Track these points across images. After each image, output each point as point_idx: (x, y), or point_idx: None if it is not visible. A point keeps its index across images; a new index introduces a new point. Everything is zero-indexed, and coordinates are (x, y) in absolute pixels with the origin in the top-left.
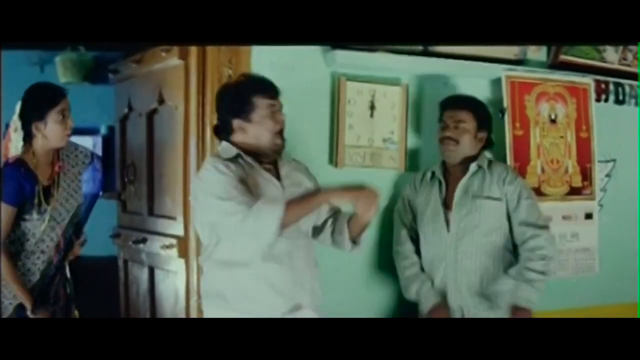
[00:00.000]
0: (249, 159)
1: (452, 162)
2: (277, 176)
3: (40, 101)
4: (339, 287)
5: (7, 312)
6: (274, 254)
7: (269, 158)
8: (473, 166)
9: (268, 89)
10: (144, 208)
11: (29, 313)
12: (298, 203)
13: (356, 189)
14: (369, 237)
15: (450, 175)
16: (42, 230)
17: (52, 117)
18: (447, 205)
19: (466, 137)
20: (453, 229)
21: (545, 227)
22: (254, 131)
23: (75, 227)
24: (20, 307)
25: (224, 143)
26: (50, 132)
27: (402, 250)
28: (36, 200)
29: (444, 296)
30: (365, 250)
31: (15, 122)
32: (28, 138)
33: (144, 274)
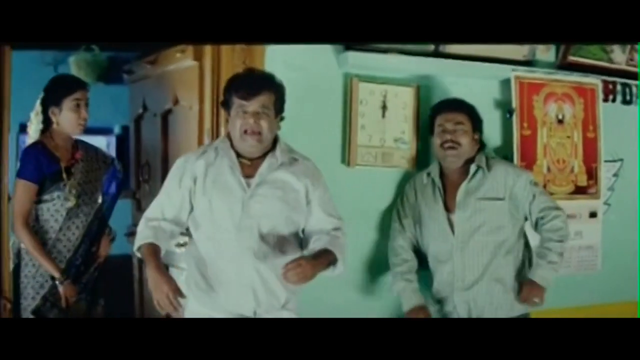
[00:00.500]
0: (228, 152)
1: (455, 166)
2: (252, 174)
3: (58, 88)
4: (334, 288)
5: (31, 306)
6: (204, 253)
7: (249, 155)
8: (473, 167)
9: (241, 88)
10: None
11: (57, 283)
12: (146, 256)
13: (163, 289)
14: (369, 238)
15: (447, 177)
16: (66, 214)
17: (67, 104)
18: (448, 207)
19: (466, 139)
20: (458, 231)
21: (560, 208)
22: (230, 126)
23: (100, 222)
24: (46, 299)
25: (223, 135)
26: (64, 118)
27: (393, 246)
28: (57, 177)
29: (437, 298)
30: (361, 253)
31: (37, 106)
32: (46, 123)
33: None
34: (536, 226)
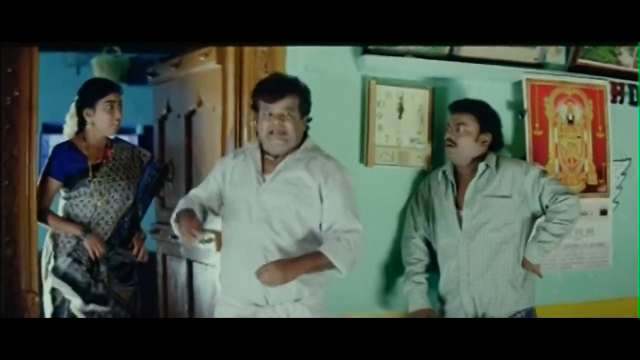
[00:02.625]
0: (254, 150)
1: (457, 163)
2: (273, 170)
3: (91, 91)
4: (352, 285)
5: (62, 268)
6: (229, 249)
7: (274, 153)
8: (481, 166)
9: (267, 91)
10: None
11: (81, 237)
12: (180, 216)
13: (184, 224)
14: (387, 235)
15: (459, 175)
16: (94, 210)
17: (101, 106)
18: (458, 204)
19: (465, 140)
20: (465, 227)
21: (572, 193)
22: (258, 127)
23: (133, 218)
24: (69, 254)
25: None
26: (98, 119)
27: (407, 245)
28: (83, 174)
29: (445, 293)
30: (379, 250)
31: (72, 109)
32: (81, 124)
33: (182, 268)
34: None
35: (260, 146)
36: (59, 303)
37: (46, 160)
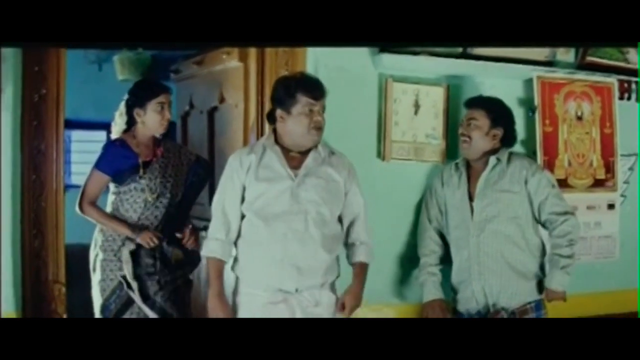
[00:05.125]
0: (274, 146)
1: (469, 157)
2: (298, 165)
3: (143, 92)
4: (368, 278)
5: (124, 254)
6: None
7: (300, 149)
8: (492, 159)
9: (312, 90)
10: (206, 199)
11: (133, 237)
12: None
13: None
14: (402, 228)
15: (472, 168)
16: (144, 205)
17: (152, 107)
18: (471, 196)
19: (477, 134)
20: (476, 218)
21: (571, 212)
22: (291, 123)
23: (181, 214)
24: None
25: (268, 132)
26: (149, 119)
27: (422, 237)
28: (134, 171)
29: (457, 283)
30: (394, 243)
31: (121, 107)
32: (130, 123)
33: (203, 260)
34: (544, 225)
35: (276, 141)
36: (108, 294)
37: (98, 156)
